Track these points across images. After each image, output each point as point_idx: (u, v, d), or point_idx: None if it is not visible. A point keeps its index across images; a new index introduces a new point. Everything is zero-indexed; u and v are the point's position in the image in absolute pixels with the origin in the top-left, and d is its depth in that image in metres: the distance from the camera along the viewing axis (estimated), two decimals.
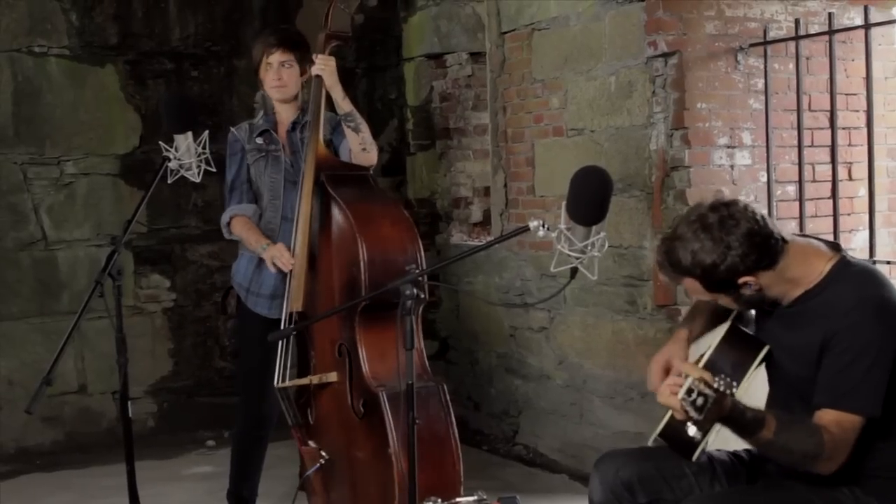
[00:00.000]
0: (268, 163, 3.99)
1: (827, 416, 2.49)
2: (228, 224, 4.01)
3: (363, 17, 6.12)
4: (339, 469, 3.74)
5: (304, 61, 3.97)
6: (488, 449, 5.61)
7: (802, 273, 2.61)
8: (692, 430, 2.26)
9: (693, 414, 2.23)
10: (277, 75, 3.94)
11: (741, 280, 2.56)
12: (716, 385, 2.26)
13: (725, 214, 2.55)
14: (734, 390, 2.30)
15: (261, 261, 3.93)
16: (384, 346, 3.56)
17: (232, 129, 4.08)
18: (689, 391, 2.24)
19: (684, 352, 2.84)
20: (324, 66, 3.82)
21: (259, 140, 4.01)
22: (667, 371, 2.82)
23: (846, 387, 2.48)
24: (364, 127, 3.91)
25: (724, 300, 2.66)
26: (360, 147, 3.89)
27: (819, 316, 2.56)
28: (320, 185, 3.76)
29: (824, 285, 2.59)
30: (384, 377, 3.52)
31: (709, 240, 2.54)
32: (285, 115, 4.04)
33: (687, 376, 2.30)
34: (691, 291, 2.69)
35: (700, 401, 2.23)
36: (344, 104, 3.87)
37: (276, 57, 3.94)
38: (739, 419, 2.40)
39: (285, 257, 3.77)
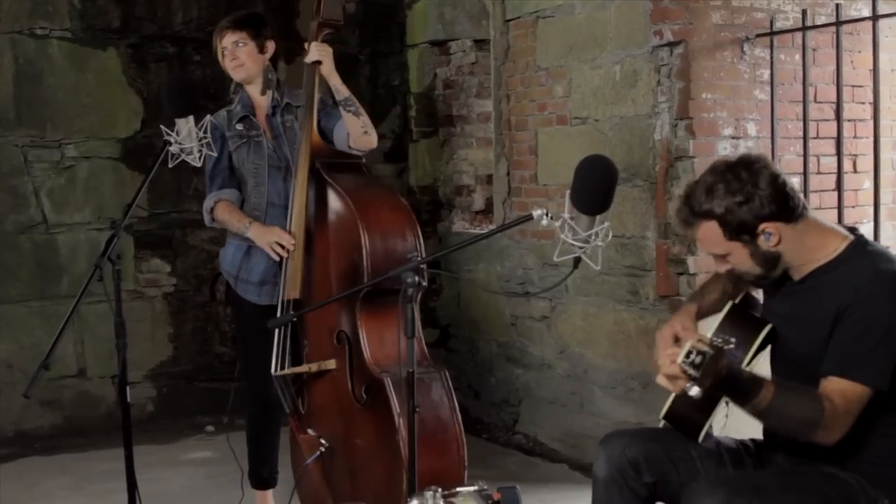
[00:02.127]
0: (250, 149, 3.96)
1: (832, 385, 2.48)
2: (212, 210, 3.99)
3: (354, 6, 6.12)
4: (337, 457, 3.73)
5: (261, 37, 3.97)
6: (488, 438, 5.60)
7: (819, 244, 2.62)
8: (693, 390, 2.26)
9: (692, 372, 2.24)
10: (232, 55, 3.94)
11: (762, 226, 2.56)
12: (713, 342, 2.26)
13: (753, 160, 2.60)
14: (731, 346, 2.30)
15: (249, 248, 3.92)
16: (384, 332, 3.56)
17: (209, 116, 3.91)
18: (688, 353, 2.25)
19: (691, 323, 2.83)
20: (323, 52, 3.82)
21: (239, 126, 3.98)
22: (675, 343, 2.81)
23: (854, 357, 2.47)
24: (363, 110, 3.91)
25: (739, 254, 2.63)
26: (362, 130, 3.88)
27: (833, 290, 2.55)
28: (315, 172, 3.76)
29: (840, 261, 2.60)
30: (386, 363, 3.51)
31: (735, 180, 2.56)
32: (258, 98, 4.02)
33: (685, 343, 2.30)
34: (706, 242, 2.67)
35: (698, 359, 2.23)
36: (343, 89, 3.87)
37: (228, 38, 3.94)
38: (737, 380, 2.39)
39: (285, 238, 3.76)
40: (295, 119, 3.98)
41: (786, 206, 2.57)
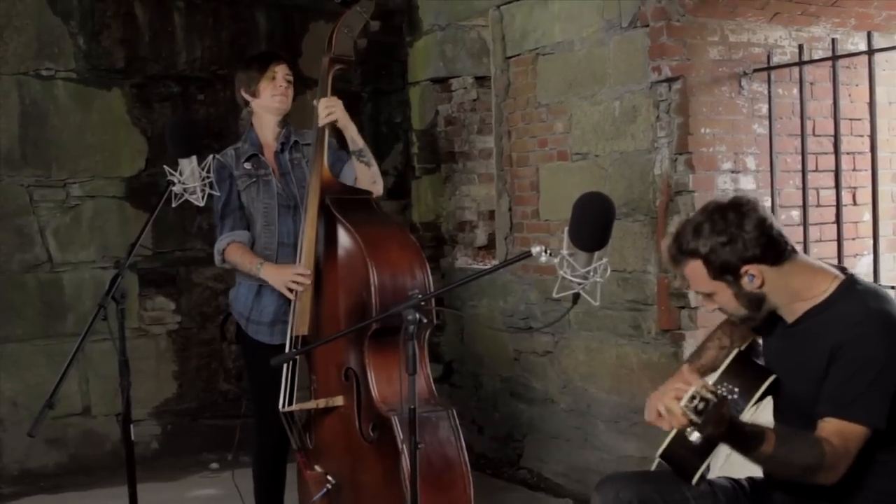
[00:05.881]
0: (259, 188, 3.98)
1: (829, 426, 2.49)
2: (223, 251, 3.98)
3: (366, 42, 6.15)
4: (344, 494, 3.72)
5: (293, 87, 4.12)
6: (492, 473, 5.59)
7: (807, 286, 2.63)
8: (694, 435, 2.29)
9: (694, 418, 2.26)
10: (284, 82, 4.02)
11: (745, 268, 2.59)
12: (717, 391, 2.29)
13: (742, 202, 2.64)
14: (734, 396, 2.32)
15: (260, 288, 3.93)
16: (392, 370, 3.54)
17: (216, 155, 3.93)
18: (692, 398, 2.27)
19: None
20: (334, 107, 3.87)
21: (247, 165, 4.00)
22: None
23: (850, 396, 2.48)
24: (374, 161, 4.00)
25: (724, 294, 2.66)
26: (371, 180, 3.99)
27: (826, 331, 2.56)
28: (325, 208, 3.77)
29: (831, 302, 2.61)
30: (394, 401, 3.49)
31: (721, 221, 2.61)
32: (271, 135, 4.07)
33: (690, 386, 2.31)
34: (692, 280, 2.71)
35: (701, 405, 2.26)
36: (358, 140, 3.95)
37: (282, 69, 4.04)
38: (739, 432, 2.41)
39: (303, 272, 3.75)
40: (303, 157, 4.02)
41: (770, 250, 2.60)
